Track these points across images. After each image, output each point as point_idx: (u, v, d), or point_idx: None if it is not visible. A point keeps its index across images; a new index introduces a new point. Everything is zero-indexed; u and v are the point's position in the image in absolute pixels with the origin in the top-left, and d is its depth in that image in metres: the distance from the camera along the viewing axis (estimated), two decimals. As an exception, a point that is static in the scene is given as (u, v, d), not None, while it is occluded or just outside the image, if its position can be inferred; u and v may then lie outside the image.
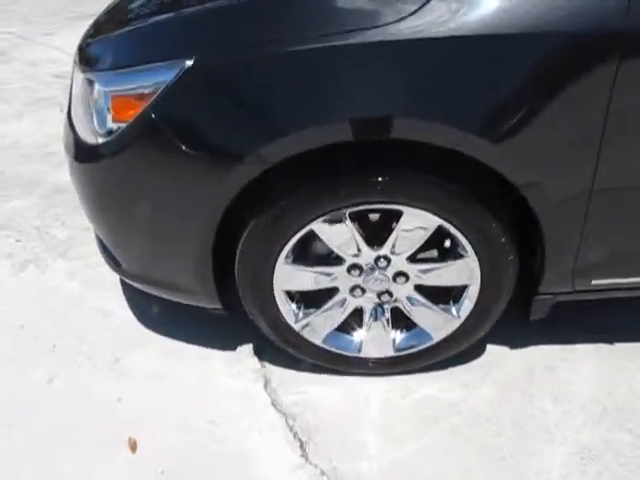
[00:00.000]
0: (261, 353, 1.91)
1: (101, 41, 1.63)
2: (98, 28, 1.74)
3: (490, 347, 1.90)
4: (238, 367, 1.88)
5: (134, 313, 2.11)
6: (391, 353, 1.75)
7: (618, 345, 1.90)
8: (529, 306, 1.70)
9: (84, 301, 2.17)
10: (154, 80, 1.39)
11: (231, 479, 1.57)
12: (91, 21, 1.90)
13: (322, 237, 1.51)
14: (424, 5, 1.26)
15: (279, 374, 1.85)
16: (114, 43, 1.58)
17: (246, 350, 1.93)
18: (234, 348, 1.93)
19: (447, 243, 1.55)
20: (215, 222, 1.47)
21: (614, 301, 1.76)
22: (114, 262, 1.80)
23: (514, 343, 1.91)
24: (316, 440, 1.64)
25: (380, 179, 1.39)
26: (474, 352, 1.86)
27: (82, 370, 1.89)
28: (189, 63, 1.35)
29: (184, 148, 1.40)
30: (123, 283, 2.15)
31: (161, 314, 2.06)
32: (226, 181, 1.40)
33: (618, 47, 1.24)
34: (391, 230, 1.51)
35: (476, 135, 1.30)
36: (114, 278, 2.14)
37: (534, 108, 1.30)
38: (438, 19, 1.25)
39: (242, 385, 1.82)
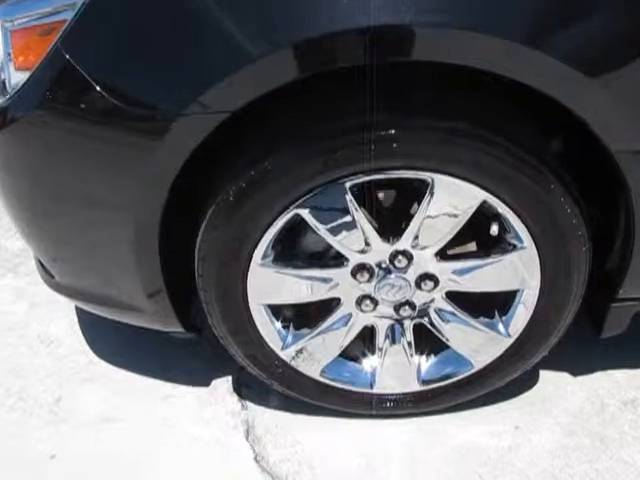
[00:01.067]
0: (242, 390, 1.45)
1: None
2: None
3: (546, 376, 1.42)
4: (211, 408, 1.43)
5: (86, 340, 1.66)
6: (416, 387, 1.29)
7: None
8: (602, 317, 1.23)
9: (28, 326, 1.74)
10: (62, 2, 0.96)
11: None
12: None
13: (314, 225, 1.05)
14: None
15: (266, 418, 1.39)
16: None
17: (223, 386, 1.47)
18: (207, 383, 1.47)
19: (494, 229, 1.08)
20: (159, 207, 1.02)
21: None
22: (46, 272, 1.36)
23: (576, 370, 1.44)
24: (315, 514, 1.17)
25: (393, 132, 0.93)
26: (525, 383, 1.39)
27: (9, 415, 1.44)
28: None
29: (109, 97, 0.95)
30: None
31: (118, 341, 1.61)
32: (169, 143, 0.95)
33: None
34: (412, 213, 1.05)
35: (556, 59, 0.85)
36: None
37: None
38: None
39: (216, 433, 1.37)
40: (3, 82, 1.10)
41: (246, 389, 1.45)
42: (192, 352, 1.48)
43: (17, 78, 1.05)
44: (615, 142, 0.95)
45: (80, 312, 1.73)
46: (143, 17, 0.94)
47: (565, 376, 1.44)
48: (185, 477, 1.28)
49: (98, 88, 0.96)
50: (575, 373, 1.44)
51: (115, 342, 1.62)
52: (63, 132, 1.04)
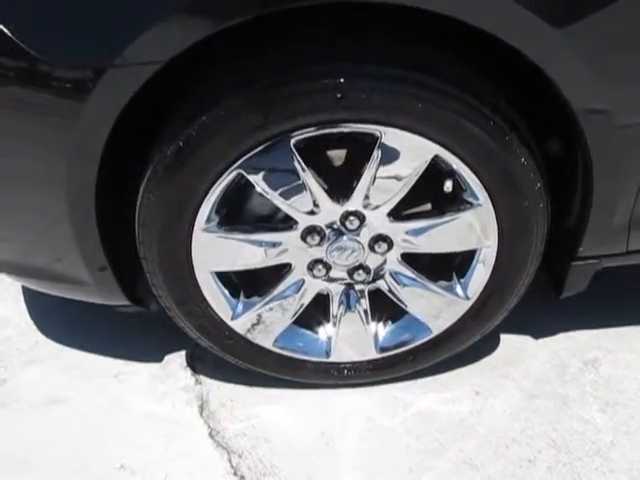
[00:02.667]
0: (196, 364, 1.39)
1: None
2: None
3: (507, 339, 1.40)
4: (164, 385, 1.38)
5: (33, 321, 1.58)
6: (373, 355, 1.25)
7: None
8: (563, 277, 1.20)
9: (-32, 307, 1.65)
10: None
11: None
12: None
13: (258, 185, 0.99)
14: None
15: (220, 392, 1.34)
16: None
17: (176, 361, 1.42)
18: (159, 359, 1.42)
19: (447, 185, 1.04)
20: (93, 169, 0.95)
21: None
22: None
23: (537, 332, 1.43)
24: (271, 487, 1.14)
25: (337, 81, 0.88)
26: (486, 347, 1.37)
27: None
28: None
29: (30, 54, 0.87)
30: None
31: (66, 321, 1.54)
32: (96, 101, 0.88)
33: None
34: (362, 171, 0.99)
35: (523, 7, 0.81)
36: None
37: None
38: None
39: (169, 410, 1.33)
40: None
41: (200, 363, 1.40)
42: (142, 327, 1.41)
43: None
44: (577, 98, 0.91)
45: (26, 292, 1.65)
46: None
47: (526, 339, 1.42)
48: (137, 455, 1.22)
49: (19, 44, 0.88)
50: (536, 336, 1.43)
51: (63, 322, 1.55)
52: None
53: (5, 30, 0.87)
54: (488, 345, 1.38)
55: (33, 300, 1.63)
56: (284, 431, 1.25)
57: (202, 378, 1.37)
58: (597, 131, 0.97)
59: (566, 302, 1.28)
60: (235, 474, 1.18)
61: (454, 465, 1.17)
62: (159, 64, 0.85)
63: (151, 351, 1.43)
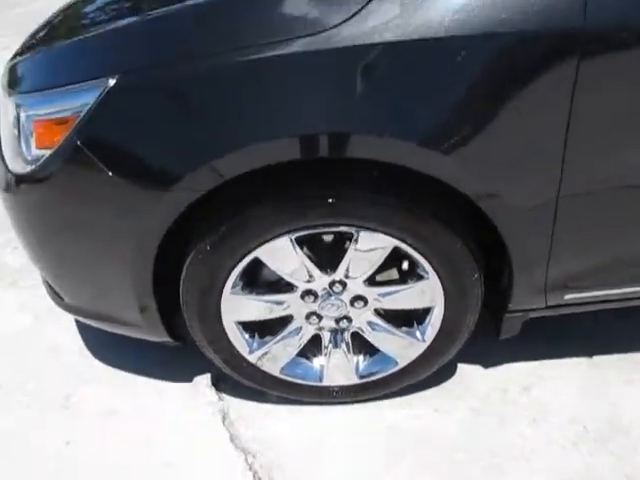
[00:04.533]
0: (219, 384, 1.79)
1: (25, 61, 1.51)
2: (27, 47, 1.62)
3: (462, 368, 1.79)
4: (195, 400, 1.77)
5: (87, 346, 1.98)
6: (355, 380, 1.64)
7: (597, 359, 1.80)
8: (499, 324, 1.59)
9: (33, 335, 2.05)
10: (76, 102, 1.27)
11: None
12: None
13: (269, 264, 1.40)
14: (361, 10, 1.14)
15: (238, 407, 1.73)
16: (36, 63, 1.46)
17: (203, 382, 1.81)
18: (190, 380, 1.81)
19: (405, 265, 1.44)
20: (152, 251, 1.36)
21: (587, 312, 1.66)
22: (56, 295, 1.68)
23: (487, 362, 1.80)
24: (277, 480, 1.53)
25: (330, 200, 1.28)
26: (445, 374, 1.75)
27: (28, 412, 1.76)
28: (112, 82, 1.23)
29: (113, 175, 1.28)
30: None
31: (114, 346, 1.93)
32: (160, 207, 1.28)
33: (578, 47, 1.13)
34: (344, 252, 1.39)
35: (425, 147, 1.19)
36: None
37: (487, 115, 1.19)
38: (380, 24, 1.14)
39: (199, 420, 1.70)
40: (23, 156, 1.41)
41: (223, 384, 1.78)
42: (179, 355, 1.80)
43: (37, 154, 1.37)
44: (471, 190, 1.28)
45: (79, 322, 2.04)
46: (134, 120, 1.25)
47: (477, 368, 1.79)
48: (176, 454, 1.61)
49: (100, 165, 1.28)
50: (486, 365, 1.79)
51: (111, 347, 1.94)
52: (73, 195, 1.36)
53: (94, 158, 1.27)
54: (447, 372, 1.76)
55: (84, 330, 2.02)
56: (287, 438, 1.63)
57: (224, 396, 1.75)
58: (502, 219, 1.33)
59: (511, 340, 1.66)
60: (250, 469, 1.56)
61: (415, 464, 1.56)
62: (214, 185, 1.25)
63: (184, 375, 1.82)
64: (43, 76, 1.40)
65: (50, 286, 1.71)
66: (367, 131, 1.19)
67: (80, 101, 1.26)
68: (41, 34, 1.68)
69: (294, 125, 1.19)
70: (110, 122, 1.27)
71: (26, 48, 1.62)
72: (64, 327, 2.04)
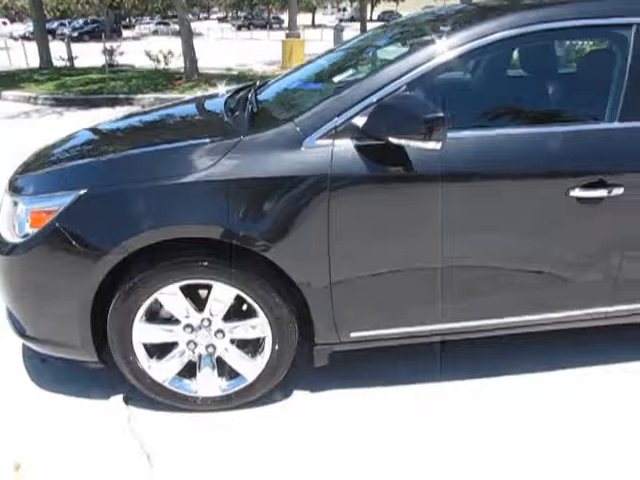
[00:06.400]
0: (129, 396, 2.61)
1: (26, 176, 2.48)
2: (24, 168, 2.60)
3: (300, 387, 2.68)
4: (109, 403, 2.57)
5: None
6: (220, 393, 2.50)
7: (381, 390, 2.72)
8: (312, 354, 2.51)
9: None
10: (60, 201, 2.23)
11: None
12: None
13: (164, 304, 2.32)
14: (216, 162, 2.19)
15: (141, 409, 2.54)
16: (35, 178, 2.44)
17: (115, 396, 2.62)
18: (107, 397, 2.63)
19: (244, 307, 2.38)
20: (91, 296, 2.25)
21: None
22: (19, 328, 2.50)
23: (314, 387, 2.69)
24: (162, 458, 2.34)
25: (204, 263, 2.24)
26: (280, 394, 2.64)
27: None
28: (82, 192, 2.21)
29: (74, 244, 2.21)
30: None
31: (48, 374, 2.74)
32: (97, 267, 2.20)
33: (327, 186, 2.17)
34: (206, 300, 2.33)
35: (255, 240, 2.19)
36: None
37: (284, 229, 2.20)
38: (225, 168, 2.17)
39: (113, 421, 2.50)
40: (15, 232, 2.33)
41: (132, 400, 2.61)
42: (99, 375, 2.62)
43: (29, 230, 2.29)
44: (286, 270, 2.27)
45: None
46: (90, 215, 2.21)
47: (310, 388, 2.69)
48: (89, 441, 2.40)
49: (68, 239, 2.22)
50: (313, 390, 2.69)
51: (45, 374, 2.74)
52: (53, 259, 2.27)
53: (66, 234, 2.21)
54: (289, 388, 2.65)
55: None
56: (167, 441, 2.45)
57: (130, 406, 2.58)
58: (305, 290, 2.31)
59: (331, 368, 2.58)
60: (148, 459, 2.36)
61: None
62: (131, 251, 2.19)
63: (104, 385, 2.64)
64: (41, 186, 2.37)
65: (12, 319, 2.53)
66: (226, 228, 2.18)
67: (62, 201, 2.22)
68: (32, 162, 2.68)
69: (175, 220, 2.18)
70: (76, 214, 2.22)
71: (21, 170, 2.60)
72: None
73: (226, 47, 29.26)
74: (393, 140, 2.11)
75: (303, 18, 63.93)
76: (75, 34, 36.22)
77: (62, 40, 20.13)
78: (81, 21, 44.07)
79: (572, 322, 2.65)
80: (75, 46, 18.82)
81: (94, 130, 3.01)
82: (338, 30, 18.91)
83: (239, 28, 55.11)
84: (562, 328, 2.68)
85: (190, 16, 14.71)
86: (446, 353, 2.86)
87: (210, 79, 12.31)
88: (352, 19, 63.42)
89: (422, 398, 2.63)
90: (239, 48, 28.34)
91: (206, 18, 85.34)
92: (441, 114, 2.01)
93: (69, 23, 42.97)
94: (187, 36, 12.82)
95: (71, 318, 2.32)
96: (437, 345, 2.83)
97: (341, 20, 59.43)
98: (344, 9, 78.18)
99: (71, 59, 16.44)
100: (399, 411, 2.55)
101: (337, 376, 2.71)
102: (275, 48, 13.69)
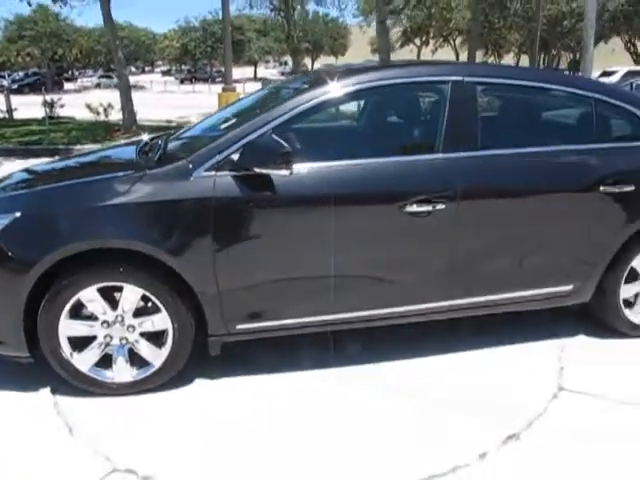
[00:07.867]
0: (56, 384, 3.15)
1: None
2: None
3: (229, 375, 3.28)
4: (41, 391, 3.10)
5: None
6: (131, 378, 3.08)
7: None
8: (206, 344, 3.13)
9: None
10: (1, 222, 2.83)
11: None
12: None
13: (85, 303, 2.91)
14: (126, 191, 2.84)
15: (68, 395, 3.08)
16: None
17: (45, 389, 3.16)
18: (36, 389, 3.16)
19: (149, 304, 2.99)
20: (24, 298, 2.83)
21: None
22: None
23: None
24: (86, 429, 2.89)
25: (117, 268, 2.86)
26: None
27: None
28: (17, 214, 2.82)
29: (11, 255, 2.80)
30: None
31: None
32: (30, 272, 2.80)
33: (212, 206, 2.86)
34: (119, 299, 2.94)
35: (157, 250, 2.83)
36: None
37: (179, 241, 2.88)
38: (133, 195, 2.83)
39: (42, 408, 3.03)
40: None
41: (59, 385, 3.14)
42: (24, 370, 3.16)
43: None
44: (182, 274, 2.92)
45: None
46: (24, 231, 2.82)
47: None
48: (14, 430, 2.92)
49: (8, 252, 2.80)
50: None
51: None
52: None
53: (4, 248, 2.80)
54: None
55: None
56: (94, 419, 3.00)
57: (58, 391, 3.12)
58: (200, 294, 2.96)
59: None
60: (69, 431, 2.89)
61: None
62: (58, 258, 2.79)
63: (36, 376, 3.17)
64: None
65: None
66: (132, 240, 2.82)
67: (2, 222, 2.83)
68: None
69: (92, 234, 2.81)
70: (13, 231, 2.82)
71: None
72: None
73: (169, 100, 30.13)
74: (257, 170, 2.83)
75: (247, 71, 65.87)
76: (15, 86, 36.48)
77: (0, 92, 20.44)
78: (21, 73, 44.37)
79: (416, 315, 3.35)
80: (15, 98, 19.22)
81: (28, 170, 3.67)
82: (265, 84, 20.16)
83: (182, 81, 56.37)
84: (407, 322, 3.37)
85: (133, 69, 15.44)
86: (338, 342, 3.51)
87: (147, 130, 12.96)
88: (292, 72, 65.65)
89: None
90: (181, 100, 29.25)
91: (150, 71, 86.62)
92: (289, 149, 2.75)
93: (8, 75, 43.17)
94: (125, 90, 13.56)
95: (7, 318, 2.88)
96: (330, 335, 3.47)
97: (282, 73, 61.69)
98: (285, 62, 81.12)
99: (10, 111, 16.86)
100: (286, 395, 3.19)
101: (236, 366, 3.32)
102: (215, 100, 14.55)
